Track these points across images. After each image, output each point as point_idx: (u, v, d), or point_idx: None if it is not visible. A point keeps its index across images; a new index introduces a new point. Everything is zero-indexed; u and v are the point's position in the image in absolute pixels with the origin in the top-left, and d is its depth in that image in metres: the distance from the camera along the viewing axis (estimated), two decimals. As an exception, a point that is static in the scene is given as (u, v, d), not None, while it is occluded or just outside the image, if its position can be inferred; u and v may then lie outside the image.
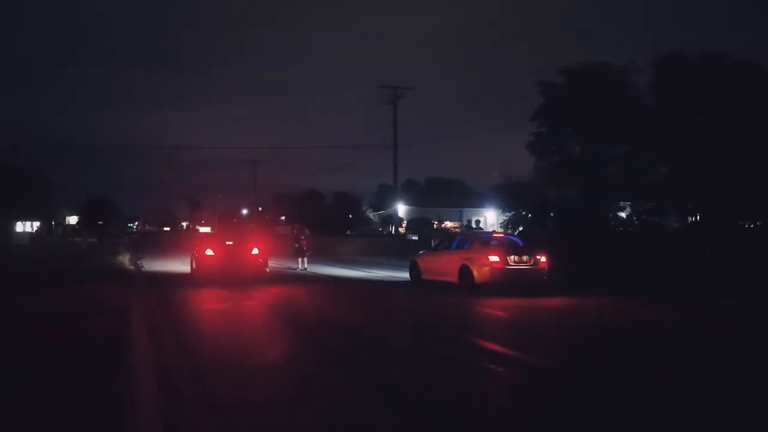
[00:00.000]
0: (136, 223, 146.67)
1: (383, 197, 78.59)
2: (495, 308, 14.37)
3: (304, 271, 25.39)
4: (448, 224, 69.20)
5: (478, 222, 26.76)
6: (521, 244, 18.57)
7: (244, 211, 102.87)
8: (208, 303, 14.42)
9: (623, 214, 28.79)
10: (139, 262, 27.81)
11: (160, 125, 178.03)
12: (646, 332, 11.58)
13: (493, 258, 16.58)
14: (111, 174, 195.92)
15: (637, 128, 26.30)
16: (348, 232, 68.64)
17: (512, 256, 16.73)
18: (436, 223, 68.30)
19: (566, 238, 25.53)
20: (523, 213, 28.27)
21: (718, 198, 24.58)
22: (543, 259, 17.14)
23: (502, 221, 29.33)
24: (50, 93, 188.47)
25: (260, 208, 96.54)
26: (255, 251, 19.52)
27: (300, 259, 26.46)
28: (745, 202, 24.54)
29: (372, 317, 13.19)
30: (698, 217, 28.17)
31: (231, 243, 19.87)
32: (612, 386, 7.23)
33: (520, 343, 10.12)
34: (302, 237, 26.53)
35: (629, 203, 27.86)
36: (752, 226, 26.91)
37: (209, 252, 19.12)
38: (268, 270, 20.18)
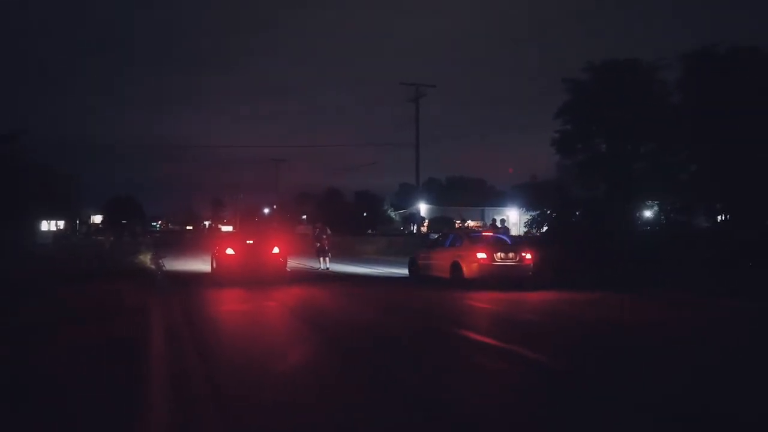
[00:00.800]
0: (160, 222, 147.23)
1: (404, 196, 78.22)
2: (478, 300, 15.18)
3: (326, 271, 25.29)
4: (471, 223, 68.57)
5: (503, 221, 26.14)
6: (509, 242, 19.85)
7: (266, 210, 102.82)
8: (228, 304, 14.05)
9: (649, 213, 28.06)
10: (160, 261, 27.64)
11: (182, 125, 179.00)
12: (612, 326, 12.24)
13: (481, 255, 17.91)
14: (135, 174, 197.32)
15: (665, 125, 25.61)
16: (369, 231, 68.11)
17: (499, 253, 18.10)
18: (458, 222, 67.71)
19: (591, 238, 25.00)
20: (548, 212, 27.66)
21: (749, 196, 23.87)
22: (528, 256, 18.41)
23: (526, 220, 28.74)
24: (77, 95, 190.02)
25: (278, 207, 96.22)
26: (275, 250, 19.22)
27: (321, 259, 26.43)
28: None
29: (373, 311, 13.71)
30: (727, 216, 27.37)
31: (251, 242, 19.60)
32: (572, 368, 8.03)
33: (492, 331, 11.30)
34: (324, 236, 26.45)
35: (656, 202, 27.14)
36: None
37: (229, 251, 18.82)
38: (288, 269, 20.03)
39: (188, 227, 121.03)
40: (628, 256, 22.53)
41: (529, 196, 29.31)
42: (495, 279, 17.72)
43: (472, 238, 20.01)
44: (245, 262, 18.63)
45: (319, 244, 26.56)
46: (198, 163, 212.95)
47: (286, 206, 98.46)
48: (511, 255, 18.25)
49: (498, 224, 26.10)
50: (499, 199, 72.34)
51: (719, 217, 27.31)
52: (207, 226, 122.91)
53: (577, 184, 28.11)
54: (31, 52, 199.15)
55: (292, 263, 24.57)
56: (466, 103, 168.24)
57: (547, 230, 27.48)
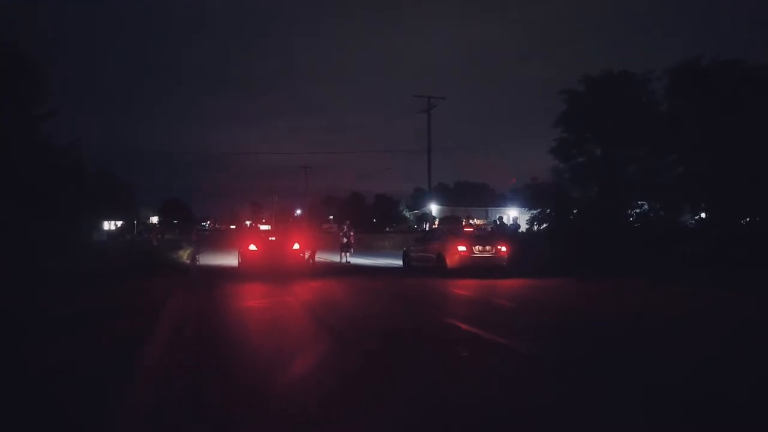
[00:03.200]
0: (209, 222, 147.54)
1: (418, 199, 77.93)
2: (456, 287, 14.93)
3: (346, 264, 24.56)
4: (477, 221, 67.54)
5: (501, 218, 25.29)
6: (487, 236, 20.03)
7: (298, 211, 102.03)
8: (245, 299, 12.44)
9: (638, 211, 26.60)
10: (197, 256, 26.51)
11: (227, 138, 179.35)
12: (569, 304, 12.34)
13: (461, 248, 18.08)
14: (189, 180, 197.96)
15: (654, 132, 24.28)
16: (387, 229, 67.59)
17: (477, 246, 18.18)
18: (464, 220, 66.69)
19: (585, 234, 23.90)
20: (548, 211, 26.32)
21: (728, 196, 22.49)
22: (503, 248, 18.51)
23: (527, 219, 27.35)
24: (135, 111, 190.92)
25: (307, 209, 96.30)
26: (296, 246, 17.93)
27: (343, 253, 25.86)
28: (746, 200, 22.35)
29: (368, 294, 13.96)
30: (710, 215, 25.89)
31: (273, 238, 18.40)
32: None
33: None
34: (351, 233, 25.80)
35: (646, 202, 25.70)
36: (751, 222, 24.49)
37: (252, 247, 17.59)
38: (311, 261, 19.26)
39: (232, 226, 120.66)
40: (616, 250, 21.75)
41: (529, 196, 27.88)
42: (474, 268, 17.88)
43: (455, 233, 19.92)
44: (267, 258, 17.43)
45: (346, 240, 25.95)
46: (240, 171, 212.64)
47: (314, 208, 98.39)
48: (488, 248, 18.35)
49: (497, 221, 25.68)
50: (500, 200, 71.55)
51: (702, 215, 25.89)
52: (248, 226, 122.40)
53: (573, 186, 26.76)
54: (100, 76, 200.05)
55: (318, 257, 23.76)
56: (471, 116, 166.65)
57: (547, 227, 26.17)
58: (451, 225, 32.14)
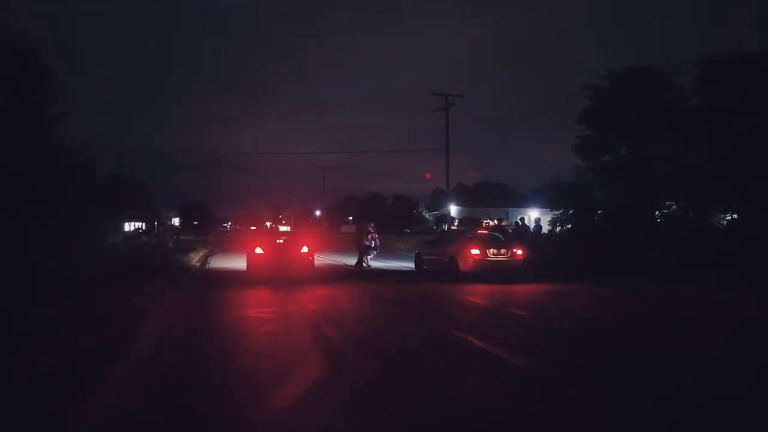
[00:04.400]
0: (230, 223, 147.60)
1: (437, 199, 76.94)
2: (468, 294, 14.09)
3: (367, 267, 22.65)
4: (496, 222, 66.19)
5: (522, 219, 23.99)
6: (502, 239, 18.84)
7: (317, 213, 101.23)
8: (242, 308, 11.24)
9: (666, 211, 25.20)
10: (208, 258, 25.69)
11: (247, 140, 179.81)
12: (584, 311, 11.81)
13: (474, 251, 17.17)
14: (210, 181, 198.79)
15: (682, 128, 22.91)
16: (407, 231, 66.55)
17: (491, 250, 17.30)
18: (485, 221, 65.49)
19: (610, 235, 22.56)
20: (570, 212, 25.06)
21: (757, 196, 21.08)
22: (519, 252, 17.59)
23: (549, 220, 26.09)
24: (154, 113, 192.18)
25: (327, 210, 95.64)
26: (304, 249, 16.88)
27: (365, 257, 23.54)
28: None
29: (374, 304, 12.73)
30: (740, 216, 24.45)
31: (281, 241, 17.34)
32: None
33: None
34: (376, 236, 23.92)
35: (675, 202, 24.33)
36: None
37: (259, 251, 16.59)
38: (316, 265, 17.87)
39: (252, 228, 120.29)
40: (642, 252, 20.33)
41: (551, 197, 26.61)
42: (488, 273, 16.98)
43: (468, 236, 19.06)
44: (274, 261, 16.42)
45: (371, 243, 23.69)
46: (261, 172, 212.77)
47: (334, 209, 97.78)
48: (503, 251, 17.52)
49: (518, 222, 24.32)
50: (521, 201, 70.12)
51: (734, 216, 24.48)
52: (268, 227, 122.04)
53: (597, 186, 25.49)
54: (118, 79, 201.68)
55: (327, 260, 22.60)
56: (490, 115, 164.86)
57: (570, 228, 24.93)
58: (464, 227, 30.68)
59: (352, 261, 25.09)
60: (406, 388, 5.66)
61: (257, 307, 11.40)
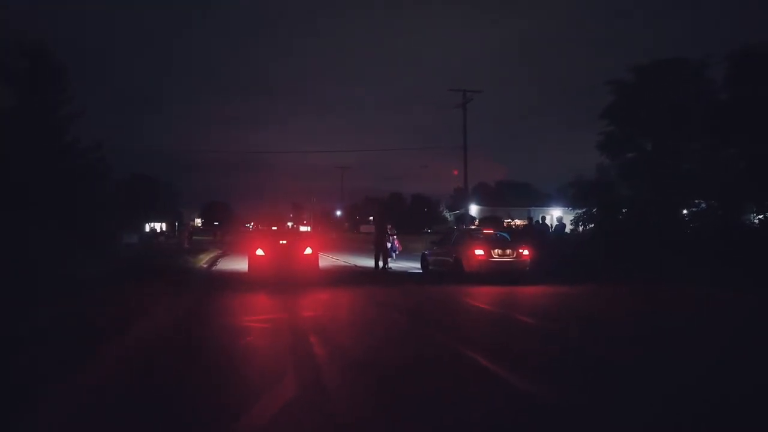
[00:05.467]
0: (252, 223, 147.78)
1: (458, 199, 75.87)
2: (475, 298, 13.11)
3: (386, 269, 21.05)
4: (518, 221, 64.98)
5: (544, 218, 22.84)
6: (508, 239, 18.37)
7: (338, 212, 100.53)
8: (230, 316, 10.28)
9: (694, 210, 23.86)
10: (218, 260, 24.94)
11: (267, 141, 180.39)
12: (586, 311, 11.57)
13: (478, 252, 16.66)
14: (232, 181, 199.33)
15: (712, 123, 21.60)
16: (428, 231, 65.63)
17: (496, 250, 16.78)
18: (506, 221, 64.30)
19: (635, 234, 21.36)
20: (594, 211, 23.85)
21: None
22: (525, 252, 17.06)
23: (571, 219, 24.88)
24: (177, 116, 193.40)
25: (347, 210, 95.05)
26: (308, 251, 15.84)
27: (387, 258, 21.62)
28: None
29: (374, 310, 11.62)
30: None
31: (284, 242, 16.26)
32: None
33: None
34: (394, 237, 22.47)
35: (703, 200, 23.00)
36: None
37: (260, 252, 15.57)
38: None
39: (273, 228, 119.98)
40: (668, 253, 19.13)
41: (573, 195, 25.42)
42: (493, 274, 16.44)
43: (473, 235, 18.61)
44: (276, 264, 15.39)
45: (390, 245, 22.15)
46: (282, 173, 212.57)
47: (355, 209, 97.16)
48: (508, 251, 16.91)
49: (539, 221, 23.10)
50: (543, 200, 68.82)
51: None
52: (290, 227, 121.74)
53: (621, 184, 24.24)
54: (145, 84, 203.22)
55: (339, 262, 21.58)
56: (511, 112, 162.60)
57: (593, 227, 23.76)
58: (466, 227, 29.56)
59: (364, 262, 24.09)
60: (387, 423, 4.71)
61: (247, 315, 10.39)
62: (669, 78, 23.05)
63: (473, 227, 30.15)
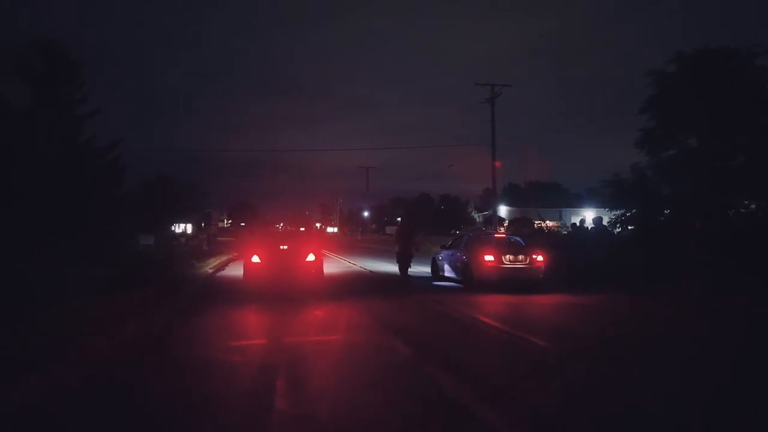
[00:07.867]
0: (281, 224, 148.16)
1: (487, 199, 74.15)
2: (482, 312, 11.86)
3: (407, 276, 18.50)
4: (549, 223, 62.75)
5: (583, 221, 20.63)
6: (522, 244, 17.28)
7: (365, 213, 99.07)
8: (204, 339, 8.65)
9: (743, 211, 21.66)
10: (227, 264, 23.51)
11: (295, 143, 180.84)
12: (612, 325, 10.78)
13: (489, 258, 15.66)
14: (261, 183, 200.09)
15: (763, 118, 19.44)
16: (456, 232, 63.91)
17: (508, 256, 15.80)
18: (537, 222, 62.24)
19: (675, 237, 19.51)
20: (633, 211, 21.78)
21: None
22: (539, 258, 16.00)
23: (607, 221, 22.77)
24: (205, 119, 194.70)
25: (375, 210, 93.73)
26: (311, 258, 14.02)
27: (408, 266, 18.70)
28: None
29: (369, 332, 9.84)
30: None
31: (285, 247, 14.47)
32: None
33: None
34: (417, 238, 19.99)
35: (754, 200, 20.82)
36: None
37: (255, 259, 13.82)
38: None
39: (301, 228, 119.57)
40: (710, 257, 17.46)
41: (610, 195, 23.32)
42: (504, 281, 15.39)
43: (483, 240, 17.62)
44: (274, 272, 13.67)
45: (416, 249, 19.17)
46: (310, 174, 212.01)
47: (383, 209, 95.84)
48: (521, 257, 15.82)
49: (578, 223, 21.03)
50: (574, 200, 66.71)
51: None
52: (318, 228, 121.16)
53: (663, 183, 22.11)
54: (176, 88, 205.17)
55: (355, 266, 19.84)
56: (544, 111, 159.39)
57: (633, 230, 21.74)
58: (479, 232, 27.93)
59: (381, 267, 22.60)
60: None
61: (217, 340, 8.51)
62: (714, 68, 20.88)
63: (483, 231, 28.47)
